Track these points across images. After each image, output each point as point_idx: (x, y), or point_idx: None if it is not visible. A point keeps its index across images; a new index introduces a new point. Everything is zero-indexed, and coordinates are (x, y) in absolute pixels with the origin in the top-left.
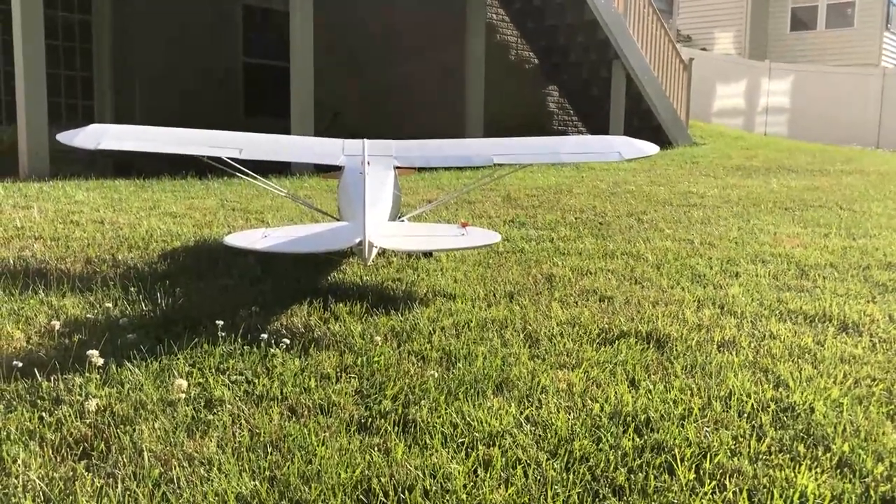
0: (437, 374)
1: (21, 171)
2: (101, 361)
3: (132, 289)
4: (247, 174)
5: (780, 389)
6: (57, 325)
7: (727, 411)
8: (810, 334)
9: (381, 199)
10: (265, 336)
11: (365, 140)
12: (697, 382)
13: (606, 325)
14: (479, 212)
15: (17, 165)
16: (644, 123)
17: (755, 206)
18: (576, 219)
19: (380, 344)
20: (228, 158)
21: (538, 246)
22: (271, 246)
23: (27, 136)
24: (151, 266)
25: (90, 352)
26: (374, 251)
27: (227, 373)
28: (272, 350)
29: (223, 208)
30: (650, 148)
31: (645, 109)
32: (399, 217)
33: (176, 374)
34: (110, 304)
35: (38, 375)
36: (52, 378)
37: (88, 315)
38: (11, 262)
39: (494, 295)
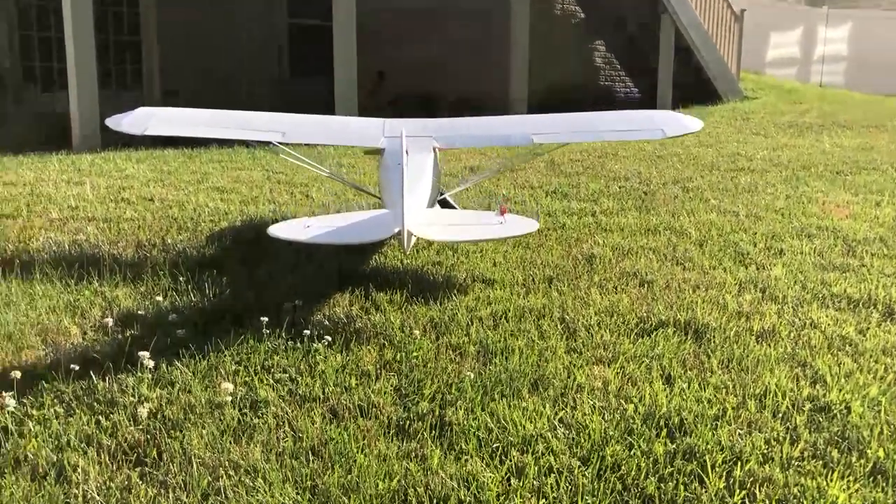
0: (472, 375)
1: (74, 142)
2: (151, 364)
3: (181, 278)
4: (291, 156)
5: (818, 386)
6: (110, 321)
7: (761, 411)
8: (853, 322)
9: (421, 184)
10: (307, 332)
11: (406, 121)
12: (733, 379)
13: (645, 314)
14: (522, 181)
15: (69, 137)
16: (693, 77)
17: (805, 169)
18: (620, 188)
19: (418, 337)
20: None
21: (580, 221)
22: (314, 237)
23: (78, 108)
24: (199, 250)
25: (141, 353)
26: (413, 240)
27: (272, 370)
28: (315, 345)
29: (269, 181)
30: (694, 124)
31: (694, 63)
32: (441, 194)
33: (223, 373)
34: (160, 297)
35: (93, 377)
36: (106, 378)
37: (140, 310)
38: (66, 246)
39: (533, 280)
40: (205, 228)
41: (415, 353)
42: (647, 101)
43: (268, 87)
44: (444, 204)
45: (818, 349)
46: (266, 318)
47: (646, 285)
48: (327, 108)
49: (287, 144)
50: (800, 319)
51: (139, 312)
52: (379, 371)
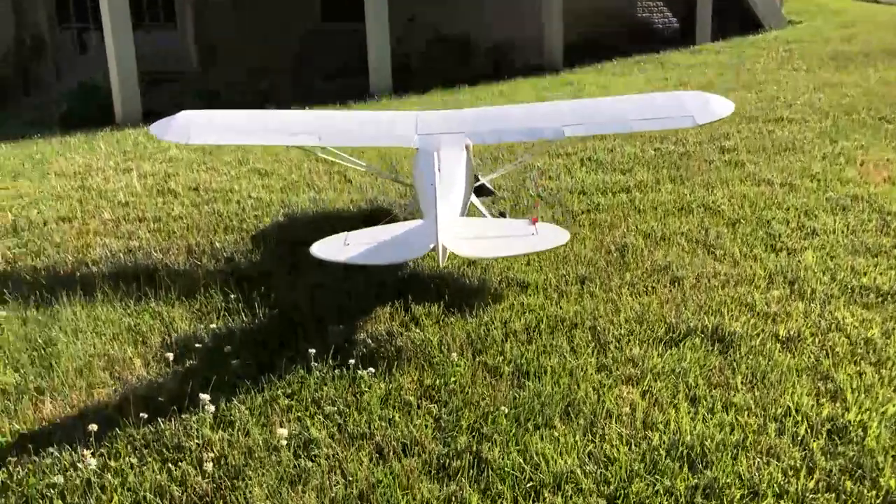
0: (506, 409)
1: (117, 118)
2: (212, 408)
3: (232, 295)
4: (330, 154)
5: (837, 404)
6: (171, 355)
7: (781, 436)
8: (878, 321)
9: (454, 190)
10: (352, 361)
11: (436, 115)
12: (756, 397)
13: (674, 321)
14: (556, 147)
15: (112, 113)
16: (733, 6)
17: (847, 115)
18: (655, 150)
19: (455, 360)
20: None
21: (614, 199)
22: (351, 258)
23: (119, 83)
24: (247, 256)
25: (202, 396)
26: (447, 253)
27: (322, 404)
28: (360, 373)
29: (308, 159)
30: (725, 108)
31: None
32: (476, 181)
33: (277, 409)
34: (214, 319)
35: (160, 421)
36: (172, 420)
37: (196, 342)
38: (122, 256)
39: (566, 281)
40: (250, 226)
41: (453, 379)
42: (687, 31)
43: (301, 33)
44: (481, 190)
45: (842, 357)
46: (314, 350)
47: (676, 283)
48: (360, 51)
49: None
50: (826, 321)
51: (196, 345)
52: (419, 401)
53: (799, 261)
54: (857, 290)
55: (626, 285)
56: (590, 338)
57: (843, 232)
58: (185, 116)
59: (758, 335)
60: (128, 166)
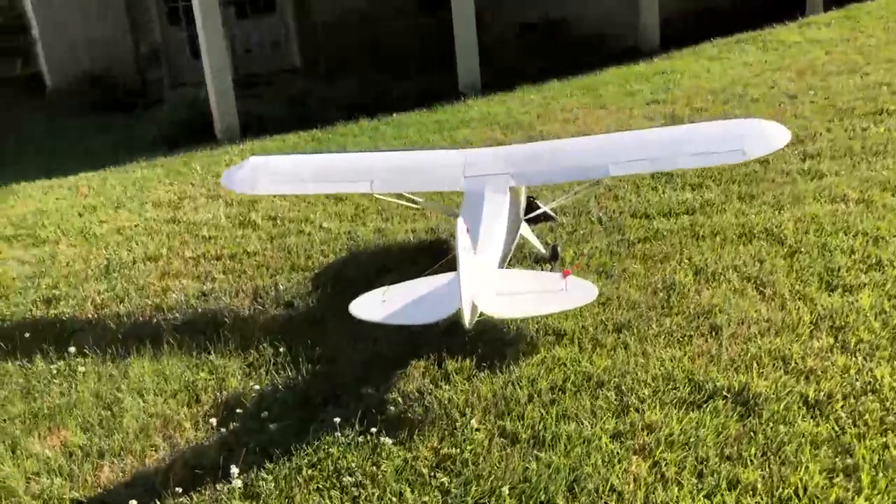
0: (507, 488)
1: (216, 131)
2: (240, 483)
3: (282, 349)
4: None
5: (851, 484)
6: (214, 421)
7: None
8: None
9: (493, 240)
10: (374, 429)
11: (485, 153)
12: (766, 474)
13: (701, 379)
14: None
15: (213, 129)
16: None
17: None
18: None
19: (474, 426)
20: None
21: (676, 224)
22: (386, 318)
23: (216, 100)
24: (306, 299)
25: (233, 469)
26: (476, 314)
27: (342, 474)
28: (382, 440)
29: None
30: (779, 139)
31: None
32: (535, 207)
33: (300, 480)
34: (263, 376)
35: (192, 496)
36: (206, 490)
37: (239, 407)
38: (194, 301)
39: (605, 327)
40: (315, 263)
41: (469, 447)
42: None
43: (400, 21)
44: (542, 217)
45: (870, 426)
46: (339, 419)
47: (714, 332)
48: (444, 43)
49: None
50: (863, 380)
51: (237, 410)
52: (433, 471)
53: (853, 302)
54: None
55: (663, 334)
56: (613, 398)
57: None
58: (252, 165)
59: (785, 396)
60: (217, 192)
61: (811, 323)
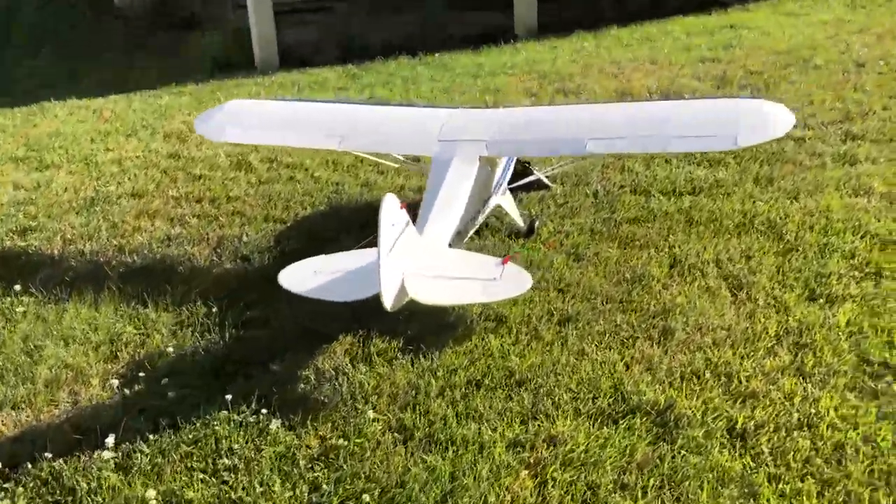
0: (368, 498)
1: (256, 62)
2: (111, 455)
3: (214, 308)
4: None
5: None
6: (116, 382)
7: None
8: (871, 417)
9: (449, 214)
10: (265, 411)
11: (466, 115)
12: None
13: (629, 390)
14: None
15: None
16: None
17: None
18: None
19: (371, 418)
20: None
21: (674, 205)
22: (309, 291)
23: (257, 29)
24: (262, 255)
25: (109, 440)
26: (404, 299)
27: (220, 456)
28: (272, 422)
29: None
30: (780, 126)
31: None
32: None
33: (175, 458)
34: (188, 336)
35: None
36: (80, 458)
37: (149, 370)
38: (156, 243)
39: (550, 318)
40: (290, 215)
41: (357, 441)
42: None
43: None
44: (535, 185)
45: (791, 469)
46: (230, 396)
47: (665, 336)
48: None
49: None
50: (804, 411)
51: (140, 374)
52: (311, 464)
53: (830, 317)
54: (876, 367)
55: (609, 332)
56: (527, 400)
57: None
58: (226, 111)
59: (711, 422)
60: None
61: (774, 336)
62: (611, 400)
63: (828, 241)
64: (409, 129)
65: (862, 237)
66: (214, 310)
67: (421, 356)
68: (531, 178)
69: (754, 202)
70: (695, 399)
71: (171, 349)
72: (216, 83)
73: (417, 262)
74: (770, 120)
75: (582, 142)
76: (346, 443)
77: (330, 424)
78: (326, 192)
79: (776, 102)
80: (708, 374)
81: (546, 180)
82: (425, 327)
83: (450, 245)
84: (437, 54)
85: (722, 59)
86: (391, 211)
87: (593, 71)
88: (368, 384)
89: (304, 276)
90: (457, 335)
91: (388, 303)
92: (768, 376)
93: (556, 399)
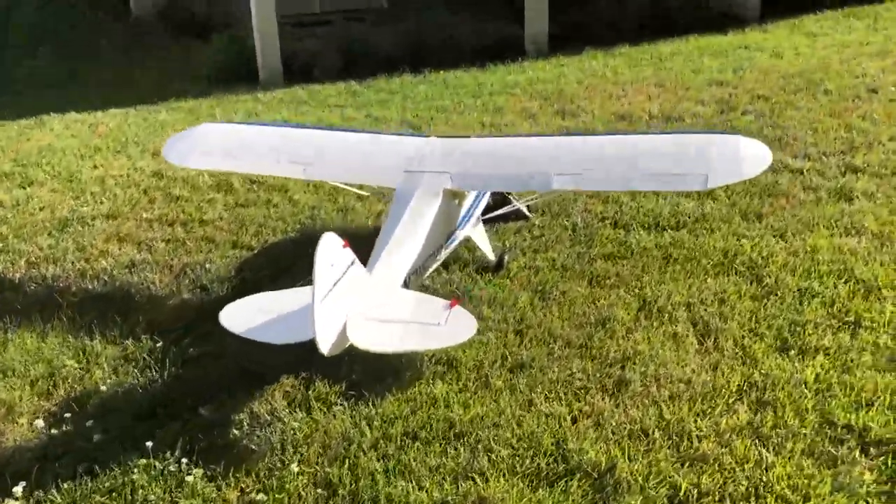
0: None
1: (260, 76)
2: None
3: (160, 343)
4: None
5: None
6: (40, 423)
7: None
8: (825, 488)
9: (403, 251)
10: (185, 460)
11: (439, 144)
12: None
13: (572, 448)
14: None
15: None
16: None
17: None
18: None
19: (296, 472)
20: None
21: (653, 241)
22: (246, 331)
23: (260, 44)
24: (224, 285)
25: (17, 489)
26: (344, 345)
27: None
28: (193, 472)
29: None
30: (754, 165)
31: None
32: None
33: None
34: (130, 372)
35: None
36: None
37: (81, 409)
38: (119, 268)
39: (503, 363)
40: (259, 242)
41: (276, 496)
42: None
43: None
44: (512, 214)
45: None
46: (150, 443)
47: (620, 388)
48: None
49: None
50: (754, 479)
51: (66, 414)
52: None
53: (798, 371)
54: (839, 430)
55: (561, 381)
56: (463, 457)
57: (886, 331)
58: (198, 133)
59: (652, 488)
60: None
61: (737, 391)
62: (550, 459)
63: (809, 285)
64: (375, 159)
65: (846, 282)
66: (160, 345)
67: (361, 403)
68: (509, 207)
69: (739, 240)
70: (640, 461)
71: (104, 388)
72: (216, 98)
73: (362, 304)
74: (744, 157)
75: (548, 177)
76: (265, 498)
77: (252, 477)
78: (301, 218)
79: (754, 139)
80: (658, 434)
81: (525, 210)
82: (371, 370)
83: (406, 283)
84: (441, 71)
85: (730, 81)
86: (329, 251)
87: (597, 92)
88: (300, 433)
89: (245, 315)
90: (403, 380)
91: (325, 349)
92: (722, 437)
93: (494, 455)
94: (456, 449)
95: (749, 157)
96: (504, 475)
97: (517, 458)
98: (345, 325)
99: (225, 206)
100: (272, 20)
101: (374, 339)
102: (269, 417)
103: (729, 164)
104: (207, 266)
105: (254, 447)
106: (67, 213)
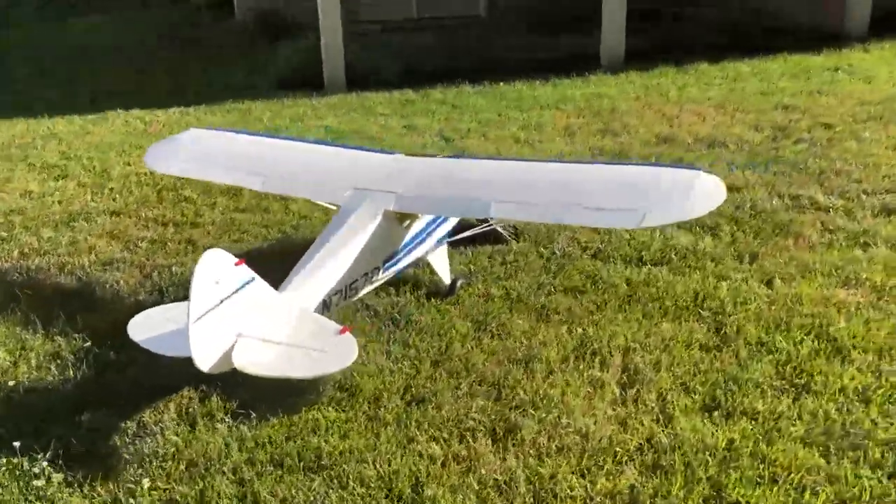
0: None
1: (325, 82)
2: None
3: (87, 343)
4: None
5: None
6: None
7: None
8: None
9: (322, 274)
10: (46, 465)
11: (401, 163)
12: None
13: (422, 496)
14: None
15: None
16: None
17: None
18: (792, 200)
19: (147, 489)
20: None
21: (627, 277)
22: (144, 341)
23: (325, 49)
24: (180, 291)
25: None
26: (227, 364)
27: None
28: (36, 482)
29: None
30: (701, 205)
31: None
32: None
33: None
34: (52, 371)
35: None
36: None
37: None
38: (96, 266)
39: (403, 395)
40: (236, 249)
41: None
42: None
43: None
44: (491, 237)
45: None
46: (18, 443)
47: (510, 433)
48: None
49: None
50: None
51: None
52: None
53: (711, 435)
54: None
55: (452, 421)
56: (313, 492)
57: (850, 396)
58: (184, 139)
59: None
60: None
61: (635, 451)
62: (399, 502)
63: (771, 339)
64: (328, 175)
65: (815, 339)
66: (88, 345)
67: (247, 424)
68: (478, 229)
69: (718, 282)
70: None
71: (16, 382)
72: (275, 101)
73: (259, 324)
74: (695, 198)
75: (487, 205)
76: None
77: (109, 486)
78: (287, 225)
79: (713, 175)
80: (524, 488)
81: (504, 233)
82: (273, 389)
83: (327, 305)
84: (500, 83)
85: (799, 106)
86: (214, 268)
87: (650, 112)
88: (174, 447)
89: (151, 325)
90: (296, 403)
91: (204, 366)
92: (591, 500)
93: (346, 493)
94: (312, 481)
95: (700, 195)
96: None
97: (367, 499)
98: (234, 345)
99: (223, 210)
100: (337, 27)
101: (255, 361)
102: (155, 428)
103: (674, 202)
104: (174, 269)
105: (127, 457)
106: (79, 207)
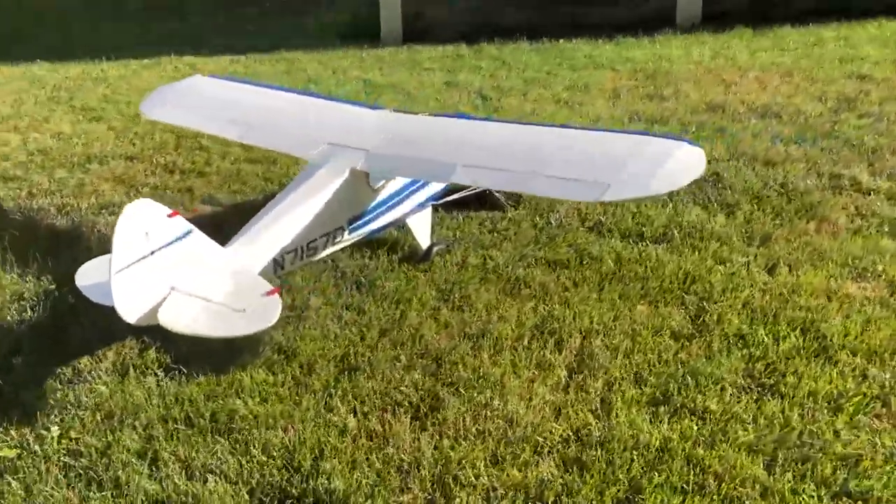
0: None
1: (381, 34)
2: None
3: (53, 287)
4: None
5: None
6: None
7: None
8: None
9: (272, 232)
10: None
11: (375, 120)
12: None
13: (320, 470)
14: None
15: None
16: None
17: None
18: (832, 178)
19: (54, 437)
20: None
21: (618, 253)
22: (85, 287)
23: (382, 5)
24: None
25: None
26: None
27: None
28: None
29: None
30: (676, 177)
31: None
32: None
33: None
34: (9, 311)
35: None
36: None
37: None
38: (89, 210)
39: (339, 363)
40: (230, 199)
41: (28, 456)
42: None
43: None
44: (487, 202)
45: None
46: None
47: (431, 412)
48: None
49: None
50: None
51: None
52: None
53: (644, 434)
54: None
55: (378, 393)
56: (212, 457)
57: (820, 402)
58: (183, 86)
59: None
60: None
61: (560, 442)
62: (291, 475)
63: (751, 332)
64: (306, 128)
65: (801, 335)
66: (52, 288)
67: (170, 381)
68: (464, 193)
69: (715, 264)
70: (380, 496)
71: None
72: (323, 53)
73: (194, 279)
74: (668, 171)
75: (452, 168)
76: (14, 453)
77: (23, 430)
78: (286, 179)
79: (696, 147)
80: (426, 471)
81: (501, 199)
82: (209, 346)
83: (280, 263)
84: (561, 40)
85: (877, 77)
86: (143, 219)
87: (709, 77)
88: (94, 399)
89: (96, 273)
90: (229, 362)
91: (129, 318)
92: (493, 492)
93: (244, 460)
94: (216, 443)
95: (675, 169)
96: (232, 482)
97: (265, 466)
98: (165, 298)
99: (234, 160)
100: None
101: (177, 317)
102: (88, 377)
103: (643, 175)
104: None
105: (51, 403)
106: (98, 150)
